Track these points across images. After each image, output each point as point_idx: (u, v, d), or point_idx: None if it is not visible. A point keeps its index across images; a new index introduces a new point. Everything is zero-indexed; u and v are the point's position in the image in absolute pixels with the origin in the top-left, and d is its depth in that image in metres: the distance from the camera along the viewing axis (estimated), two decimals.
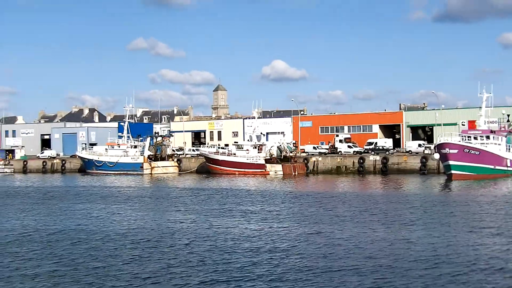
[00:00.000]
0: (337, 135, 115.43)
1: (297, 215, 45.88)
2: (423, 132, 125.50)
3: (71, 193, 71.75)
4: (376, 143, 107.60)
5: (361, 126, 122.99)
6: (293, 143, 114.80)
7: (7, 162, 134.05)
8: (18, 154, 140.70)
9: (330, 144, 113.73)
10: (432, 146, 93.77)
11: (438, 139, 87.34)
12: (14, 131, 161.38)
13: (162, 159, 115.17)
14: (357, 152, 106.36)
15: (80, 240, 35.66)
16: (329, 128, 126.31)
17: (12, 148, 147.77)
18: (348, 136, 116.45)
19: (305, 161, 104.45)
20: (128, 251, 32.26)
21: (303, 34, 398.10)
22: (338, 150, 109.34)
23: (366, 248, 32.12)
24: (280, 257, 30.00)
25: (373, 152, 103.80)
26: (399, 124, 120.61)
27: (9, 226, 42.58)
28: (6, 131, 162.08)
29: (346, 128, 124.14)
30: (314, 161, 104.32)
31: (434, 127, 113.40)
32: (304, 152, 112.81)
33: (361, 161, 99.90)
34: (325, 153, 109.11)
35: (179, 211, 50.18)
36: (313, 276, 26.26)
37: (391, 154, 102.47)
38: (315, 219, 43.16)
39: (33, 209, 53.91)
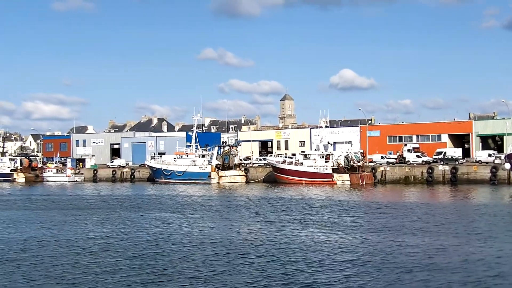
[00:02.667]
0: (406, 145, 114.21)
1: (373, 226, 45.59)
2: (493, 142, 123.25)
3: (145, 202, 72.72)
4: (445, 152, 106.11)
5: (430, 136, 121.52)
6: (361, 153, 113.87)
7: (78, 171, 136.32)
8: (88, 163, 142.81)
9: (398, 153, 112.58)
10: (503, 156, 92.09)
11: (508, 148, 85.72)
12: (84, 141, 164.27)
13: (230, 168, 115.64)
14: (426, 161, 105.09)
15: (167, 250, 36.06)
16: (397, 137, 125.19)
17: (83, 157, 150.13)
18: (417, 145, 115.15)
19: (373, 171, 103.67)
20: (214, 261, 32.53)
21: (372, 43, 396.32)
22: (407, 159, 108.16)
23: (455, 261, 31.86)
24: (370, 271, 29.76)
25: (442, 162, 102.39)
26: (469, 134, 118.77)
27: (93, 234, 43.37)
28: (76, 140, 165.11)
29: (414, 137, 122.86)
30: (382, 170, 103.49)
31: (504, 136, 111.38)
32: (371, 161, 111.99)
33: (430, 171, 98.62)
34: (393, 163, 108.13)
35: (256, 221, 50.39)
36: None
37: (461, 164, 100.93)
38: (394, 231, 42.89)
39: (112, 218, 54.80)
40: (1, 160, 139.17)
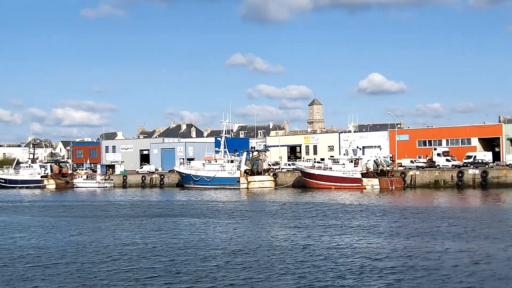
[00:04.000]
0: (435, 149, 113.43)
1: (410, 231, 45.20)
2: None
3: (177, 208, 72.66)
4: (475, 156, 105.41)
5: (460, 139, 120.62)
6: (390, 157, 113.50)
7: (108, 177, 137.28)
8: (118, 169, 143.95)
9: (427, 157, 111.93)
10: None
11: None
12: (114, 147, 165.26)
13: (258, 173, 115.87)
14: (456, 165, 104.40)
15: (206, 257, 35.95)
16: (427, 141, 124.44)
17: (112, 163, 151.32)
18: (446, 149, 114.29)
19: (402, 175, 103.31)
20: (254, 268, 32.36)
21: (401, 47, 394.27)
22: (436, 163, 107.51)
23: (502, 268, 31.53)
24: (414, 278, 29.38)
25: (472, 166, 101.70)
26: (499, 137, 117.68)
27: (129, 241, 43.37)
28: (106, 146, 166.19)
29: (444, 141, 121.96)
30: (411, 175, 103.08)
31: None
32: (401, 166, 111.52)
33: (460, 175, 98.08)
34: (422, 167, 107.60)
35: (292, 227, 50.06)
36: None
37: (491, 167, 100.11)
38: (432, 236, 42.52)
39: (146, 224, 54.80)
40: (32, 166, 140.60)
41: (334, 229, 47.45)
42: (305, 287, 27.73)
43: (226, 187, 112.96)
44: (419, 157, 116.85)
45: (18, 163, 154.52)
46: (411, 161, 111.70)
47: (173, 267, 32.88)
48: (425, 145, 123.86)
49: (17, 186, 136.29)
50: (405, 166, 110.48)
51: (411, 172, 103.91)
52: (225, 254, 36.67)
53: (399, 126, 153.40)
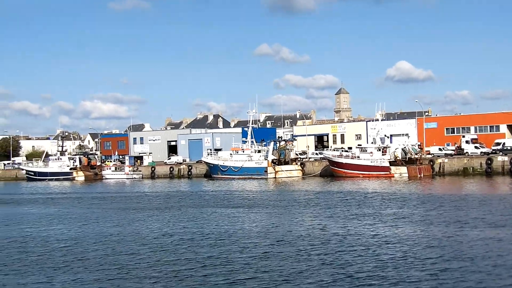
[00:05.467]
0: (463, 136, 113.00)
1: (449, 219, 44.82)
2: None
3: (209, 198, 72.86)
4: (504, 143, 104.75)
5: (488, 126, 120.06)
6: (418, 145, 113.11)
7: (136, 168, 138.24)
8: (146, 160, 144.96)
9: (456, 145, 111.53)
10: None
11: None
12: (142, 138, 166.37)
13: (286, 163, 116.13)
14: (485, 153, 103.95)
15: (246, 247, 36.02)
16: (455, 129, 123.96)
17: (141, 154, 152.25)
18: (475, 136, 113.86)
19: (431, 163, 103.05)
20: (296, 258, 32.35)
21: (428, 34, 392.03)
22: (465, 151, 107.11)
23: None
24: (459, 268, 29.22)
25: (501, 153, 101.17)
26: None
27: (166, 231, 43.38)
28: (134, 138, 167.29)
29: (472, 128, 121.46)
30: (440, 162, 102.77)
31: None
32: (429, 153, 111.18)
33: (489, 162, 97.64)
34: (451, 155, 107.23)
35: (328, 216, 49.95)
36: None
37: None
38: (473, 224, 42.08)
39: (180, 214, 54.96)
40: (61, 159, 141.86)
41: (370, 218, 47.35)
42: (347, 278, 27.58)
43: (253, 177, 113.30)
44: (448, 145, 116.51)
45: (47, 155, 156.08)
46: (440, 149, 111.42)
47: (211, 258, 32.91)
48: (453, 133, 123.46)
49: (46, 179, 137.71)
50: (433, 154, 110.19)
51: (439, 160, 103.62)
52: (263, 244, 36.66)
53: (426, 114, 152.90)
